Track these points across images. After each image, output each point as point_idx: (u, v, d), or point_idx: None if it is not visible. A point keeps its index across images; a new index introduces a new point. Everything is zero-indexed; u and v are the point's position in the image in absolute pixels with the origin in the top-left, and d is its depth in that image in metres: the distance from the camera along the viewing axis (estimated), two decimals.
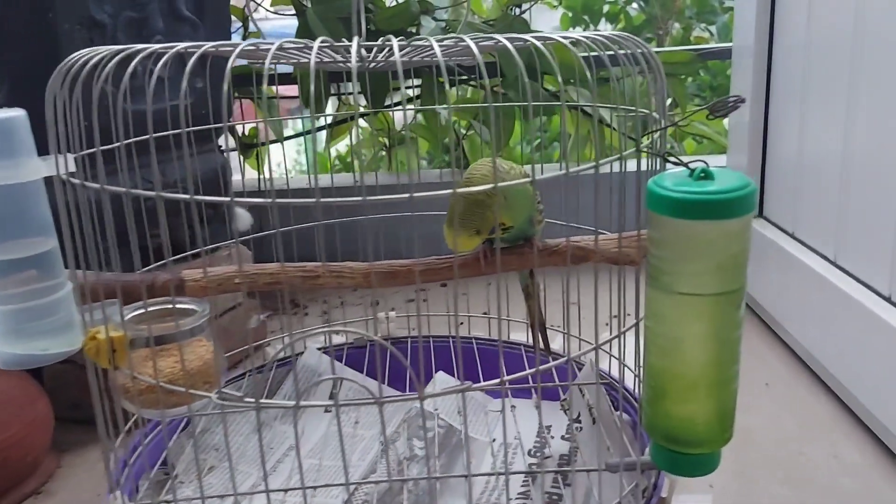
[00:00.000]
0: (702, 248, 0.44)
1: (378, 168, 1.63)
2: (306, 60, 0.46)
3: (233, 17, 1.15)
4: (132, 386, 0.50)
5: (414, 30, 1.31)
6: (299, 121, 1.58)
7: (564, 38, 0.48)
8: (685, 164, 0.46)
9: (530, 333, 0.76)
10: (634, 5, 2.43)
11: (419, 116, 1.39)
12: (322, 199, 0.40)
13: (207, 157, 0.97)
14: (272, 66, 0.47)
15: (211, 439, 0.74)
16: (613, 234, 0.61)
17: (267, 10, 1.39)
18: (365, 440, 0.76)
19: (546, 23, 2.40)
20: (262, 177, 1.21)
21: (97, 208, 0.50)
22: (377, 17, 1.23)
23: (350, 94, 1.47)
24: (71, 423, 0.81)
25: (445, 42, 0.47)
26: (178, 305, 0.53)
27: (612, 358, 0.65)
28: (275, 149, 1.38)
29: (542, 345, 0.73)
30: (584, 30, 2.42)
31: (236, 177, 1.13)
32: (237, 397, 0.43)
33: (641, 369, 0.52)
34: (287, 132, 1.55)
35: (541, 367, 0.48)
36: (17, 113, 0.47)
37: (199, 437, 0.73)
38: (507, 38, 0.47)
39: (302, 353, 0.86)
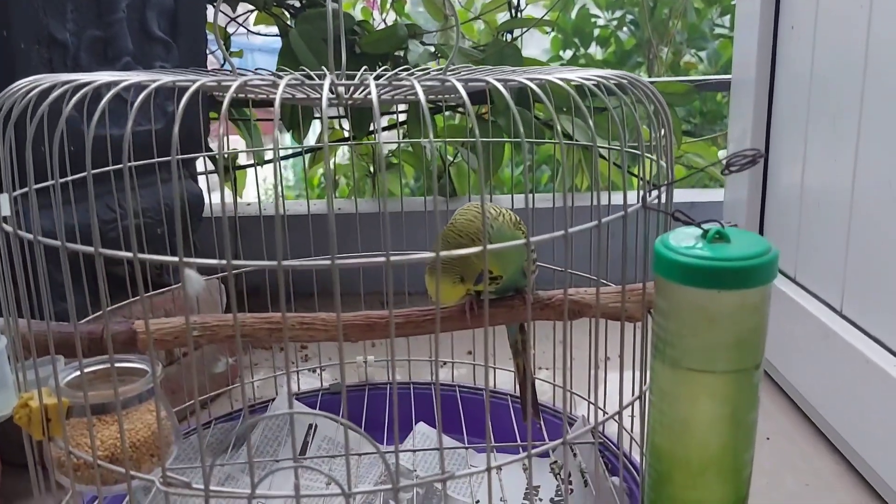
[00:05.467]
0: (716, 321, 0.39)
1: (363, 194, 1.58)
2: (273, 97, 0.41)
3: (211, 36, 1.10)
4: (67, 460, 0.44)
5: (401, 54, 1.26)
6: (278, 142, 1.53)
7: (563, 79, 0.43)
8: (697, 224, 0.41)
9: (517, 387, 0.71)
10: (625, 29, 2.41)
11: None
12: (284, 263, 0.34)
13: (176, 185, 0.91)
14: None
15: None
16: (615, 286, 0.56)
17: (249, 31, 1.34)
18: (337, 501, 0.70)
19: (537, 45, 2.37)
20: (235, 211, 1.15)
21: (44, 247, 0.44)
22: (363, 40, 1.18)
23: (334, 117, 1.42)
24: (20, 468, 0.74)
25: (429, 83, 0.42)
26: (125, 364, 0.47)
27: (613, 420, 0.60)
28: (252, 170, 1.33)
29: (530, 403, 0.68)
30: (575, 53, 2.39)
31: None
32: (183, 483, 0.38)
33: (646, 447, 0.47)
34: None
35: (533, 449, 0.43)
36: None
37: None
38: (500, 79, 0.42)
39: (273, 399, 0.80)
